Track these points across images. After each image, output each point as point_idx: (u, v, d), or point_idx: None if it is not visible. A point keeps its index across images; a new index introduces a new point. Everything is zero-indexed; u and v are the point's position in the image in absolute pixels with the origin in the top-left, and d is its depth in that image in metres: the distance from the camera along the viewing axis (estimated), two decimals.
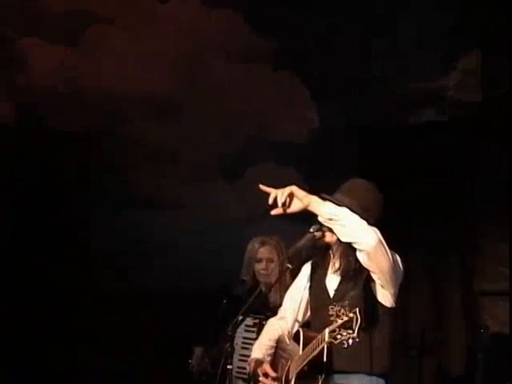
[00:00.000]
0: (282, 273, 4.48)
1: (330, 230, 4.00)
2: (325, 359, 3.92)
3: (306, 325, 4.32)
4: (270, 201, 3.91)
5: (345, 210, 3.95)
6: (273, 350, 4.42)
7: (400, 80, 7.72)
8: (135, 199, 8.19)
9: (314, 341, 3.95)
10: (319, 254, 4.22)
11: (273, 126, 8.23)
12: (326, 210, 3.91)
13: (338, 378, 4.01)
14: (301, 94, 8.18)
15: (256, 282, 5.56)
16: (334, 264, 4.16)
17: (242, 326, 5.29)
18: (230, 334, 4.10)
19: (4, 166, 7.86)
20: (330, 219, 3.90)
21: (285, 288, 4.70)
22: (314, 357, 3.94)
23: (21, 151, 8.00)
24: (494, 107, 7.32)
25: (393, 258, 4.00)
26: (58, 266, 7.92)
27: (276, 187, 3.95)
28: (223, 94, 8.18)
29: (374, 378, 4.04)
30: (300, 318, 4.36)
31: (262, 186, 3.98)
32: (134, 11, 8.16)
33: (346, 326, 3.73)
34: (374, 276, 4.00)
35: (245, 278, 5.54)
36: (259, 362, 4.33)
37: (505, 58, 7.34)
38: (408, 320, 7.31)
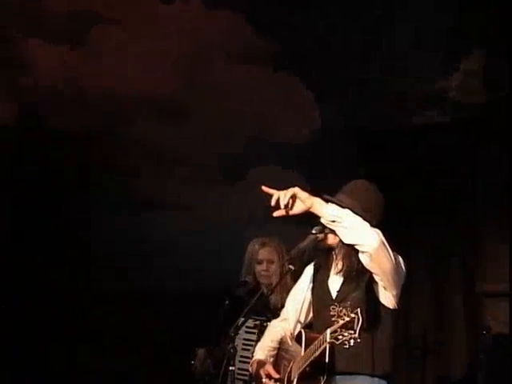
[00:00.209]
0: (283, 274, 4.48)
1: (333, 232, 4.00)
2: (327, 360, 3.92)
3: (307, 326, 4.33)
4: (273, 202, 3.91)
5: (347, 212, 3.95)
6: (275, 352, 4.42)
7: (399, 81, 7.72)
8: (136, 200, 8.19)
9: (316, 341, 3.96)
10: (322, 255, 4.22)
11: (274, 127, 8.23)
12: (329, 212, 3.91)
13: (340, 379, 4.02)
14: (302, 95, 8.18)
15: (258, 283, 5.56)
16: (337, 265, 4.16)
17: (243, 328, 5.28)
18: (232, 335, 4.10)
19: (4, 166, 7.86)
20: (333, 221, 3.90)
21: (286, 290, 4.71)
22: (316, 358, 3.94)
23: (21, 151, 8.00)
24: (495, 109, 7.33)
25: (395, 259, 4.00)
26: (58, 266, 7.92)
27: (278, 189, 3.95)
28: (224, 94, 8.18)
29: (376, 379, 4.04)
30: (302, 320, 4.36)
31: (264, 188, 3.98)
32: (136, 12, 8.16)
33: (348, 326, 3.73)
34: (376, 277, 4.01)
35: (247, 280, 5.54)
36: (262, 364, 4.33)
37: (503, 59, 7.35)
38: (410, 321, 7.30)
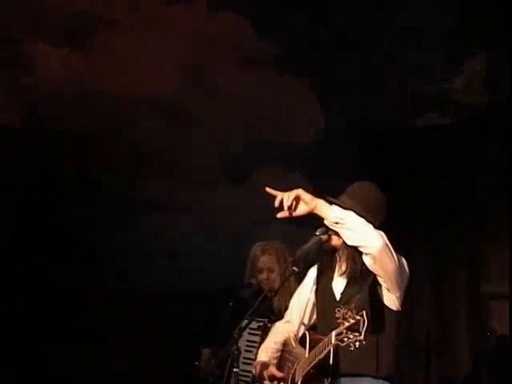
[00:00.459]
0: (287, 277, 4.47)
1: (337, 234, 4.00)
2: (331, 362, 3.92)
3: (311, 328, 4.33)
4: (276, 204, 3.91)
5: (351, 214, 3.95)
6: (279, 353, 4.40)
7: (400, 82, 7.73)
8: (136, 200, 8.19)
9: (321, 343, 3.95)
10: (325, 257, 4.22)
11: (277, 128, 8.23)
12: (332, 214, 3.92)
13: (344, 381, 4.02)
14: (305, 96, 8.19)
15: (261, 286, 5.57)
16: (341, 266, 4.16)
17: (247, 329, 5.27)
18: (235, 336, 4.10)
19: (4, 166, 7.85)
20: (336, 223, 3.91)
21: (290, 292, 4.71)
22: (321, 360, 3.94)
23: (21, 151, 8.00)
24: (495, 110, 7.34)
25: (399, 261, 4.01)
26: (57, 266, 7.91)
27: (282, 190, 3.95)
28: (227, 96, 8.19)
29: (381, 381, 4.04)
30: (306, 321, 4.36)
31: (268, 189, 3.98)
32: (138, 13, 8.15)
33: (353, 328, 3.73)
34: (379, 279, 4.01)
35: (251, 282, 5.54)
36: (265, 366, 4.32)
37: (503, 59, 7.35)
38: (414, 323, 7.31)
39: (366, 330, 3.71)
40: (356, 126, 7.92)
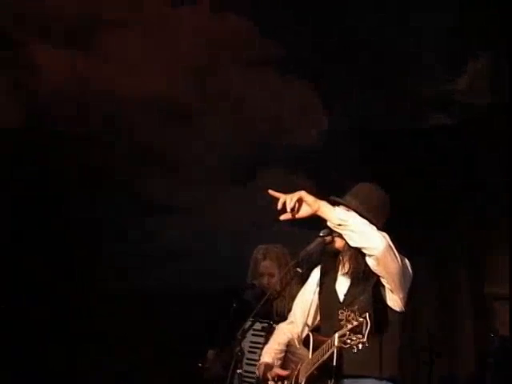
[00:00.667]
0: (290, 278, 4.47)
1: (340, 235, 4.01)
2: (334, 363, 3.92)
3: (315, 329, 4.32)
4: (279, 206, 3.92)
5: (354, 215, 3.96)
6: (282, 355, 4.41)
7: (401, 83, 7.73)
8: (136, 200, 8.18)
9: (324, 345, 3.95)
10: (329, 258, 4.22)
11: (280, 129, 8.23)
12: (335, 216, 3.92)
13: (347, 382, 4.02)
14: (308, 98, 8.19)
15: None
16: (344, 268, 4.17)
17: (250, 331, 5.27)
18: (239, 338, 4.10)
19: (5, 166, 7.85)
20: (340, 224, 3.91)
21: (293, 293, 4.71)
22: (324, 361, 3.94)
23: (21, 151, 7.99)
24: (496, 110, 7.34)
25: (402, 262, 4.02)
26: (58, 266, 7.91)
27: (285, 192, 3.95)
28: (231, 97, 8.18)
29: (384, 382, 4.05)
30: (310, 322, 4.36)
31: (271, 191, 3.98)
32: (142, 14, 8.14)
33: (356, 330, 3.73)
34: (383, 281, 4.01)
35: (254, 282, 5.54)
36: (268, 367, 4.33)
37: (504, 59, 7.36)
38: (417, 324, 7.31)
39: (369, 332, 3.70)
40: (358, 127, 7.92)
